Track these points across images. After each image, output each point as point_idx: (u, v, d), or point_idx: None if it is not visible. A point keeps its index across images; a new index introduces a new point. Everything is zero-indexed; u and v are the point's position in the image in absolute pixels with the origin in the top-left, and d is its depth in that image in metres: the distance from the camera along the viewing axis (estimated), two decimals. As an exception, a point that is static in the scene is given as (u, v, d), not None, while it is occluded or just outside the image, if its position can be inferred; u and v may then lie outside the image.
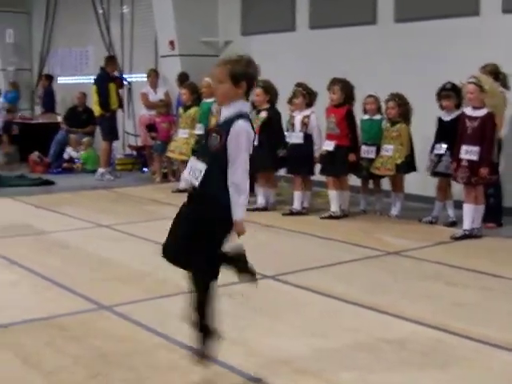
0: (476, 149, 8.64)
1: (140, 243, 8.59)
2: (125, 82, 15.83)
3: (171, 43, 14.76)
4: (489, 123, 8.64)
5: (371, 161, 10.07)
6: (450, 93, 9.36)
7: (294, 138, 10.38)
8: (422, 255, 8.05)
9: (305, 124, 10.28)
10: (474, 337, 5.40)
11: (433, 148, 9.52)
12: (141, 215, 10.46)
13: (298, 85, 10.42)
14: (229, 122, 4.37)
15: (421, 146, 9.95)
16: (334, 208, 10.09)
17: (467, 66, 9.23)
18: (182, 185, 12.35)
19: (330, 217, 10.03)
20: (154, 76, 15.19)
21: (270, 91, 10.61)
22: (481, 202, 8.86)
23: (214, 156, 4.38)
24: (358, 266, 7.66)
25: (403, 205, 10.22)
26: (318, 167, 10.43)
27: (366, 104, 10.21)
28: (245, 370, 4.73)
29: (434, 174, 9.55)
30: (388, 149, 9.92)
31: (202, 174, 4.41)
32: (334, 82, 10.10)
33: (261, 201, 10.73)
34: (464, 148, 8.73)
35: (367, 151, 10.12)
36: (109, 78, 14.34)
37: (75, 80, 19.67)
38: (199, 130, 11.93)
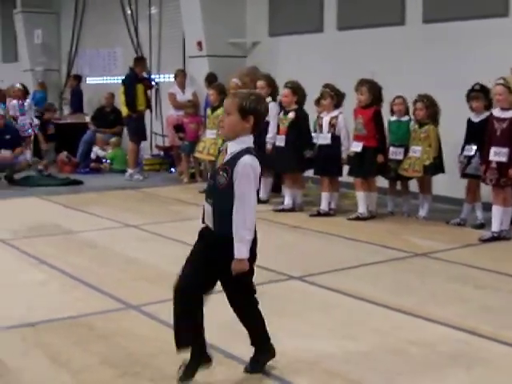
0: (505, 150, 8.58)
1: (167, 243, 8.61)
2: (153, 83, 15.85)
3: (199, 44, 14.77)
4: (517, 124, 8.59)
5: (399, 162, 10.02)
6: (479, 94, 9.30)
7: (322, 138, 10.36)
8: (450, 257, 8.01)
9: (332, 125, 10.26)
10: (502, 340, 5.37)
11: (463, 149, 9.46)
12: (168, 215, 10.48)
13: (326, 86, 10.38)
14: (235, 158, 4.31)
15: (450, 148, 9.89)
16: (362, 209, 10.06)
17: (496, 67, 9.18)
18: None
19: (358, 218, 10.00)
20: (181, 76, 15.21)
21: (298, 92, 10.60)
22: (509, 204, 8.80)
23: (223, 194, 4.33)
24: (385, 268, 7.63)
25: (431, 206, 10.17)
26: (345, 168, 10.40)
27: (394, 105, 10.17)
28: (271, 371, 4.73)
29: (464, 175, 9.49)
30: (416, 150, 9.87)
31: (212, 215, 4.38)
32: (362, 82, 10.07)
33: (288, 201, 10.72)
34: (493, 150, 8.68)
35: (395, 152, 10.07)
36: (137, 79, 14.38)
37: (103, 81, 19.77)
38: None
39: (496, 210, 8.75)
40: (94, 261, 7.73)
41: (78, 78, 19.49)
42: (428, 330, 5.65)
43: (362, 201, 10.08)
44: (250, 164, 4.29)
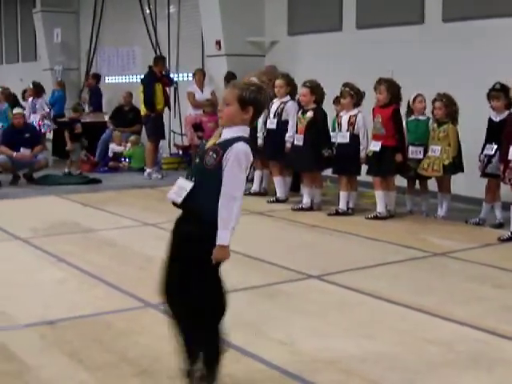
0: (524, 150, 8.55)
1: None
2: (172, 81, 15.87)
3: (217, 43, 14.79)
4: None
5: (419, 161, 9.99)
6: (499, 93, 9.26)
7: (341, 137, 10.34)
8: (469, 257, 7.98)
9: (351, 124, 10.24)
10: (522, 340, 5.36)
11: (483, 149, 9.43)
12: (186, 214, 10.49)
13: (346, 85, 10.35)
14: (228, 143, 4.24)
15: (469, 147, 9.85)
16: (380, 208, 10.04)
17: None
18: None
19: (376, 217, 9.98)
20: (200, 75, 15.24)
21: (316, 91, 10.58)
22: (529, 204, 8.78)
23: (210, 175, 4.23)
24: (403, 267, 7.62)
25: (450, 206, 10.13)
26: (364, 167, 10.38)
27: (414, 103, 10.12)
28: (290, 370, 4.73)
29: (484, 174, 9.45)
30: (435, 149, 9.82)
31: (188, 192, 4.27)
32: (380, 81, 10.04)
33: (306, 200, 10.71)
34: (512, 149, 8.66)
35: (415, 152, 10.03)
36: (155, 78, 14.40)
37: (122, 79, 19.84)
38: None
39: (515, 210, 8.73)
40: (113, 259, 7.75)
41: (97, 77, 19.53)
42: (447, 330, 5.63)
43: (381, 200, 10.06)
44: (243, 150, 4.21)
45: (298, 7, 14.30)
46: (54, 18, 21.39)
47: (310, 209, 10.66)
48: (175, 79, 16.57)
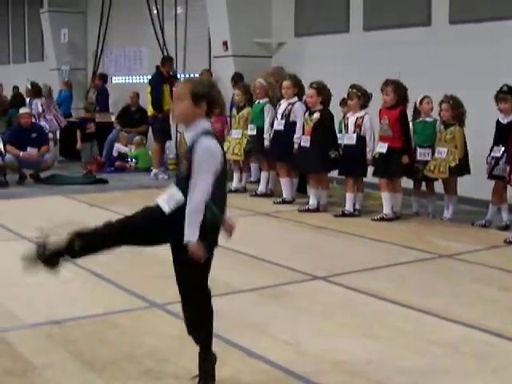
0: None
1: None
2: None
3: (225, 44, 14.80)
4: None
5: (427, 163, 9.98)
6: (507, 95, 9.25)
7: (347, 139, 10.34)
8: (475, 259, 7.97)
9: (358, 125, 10.23)
10: (527, 342, 5.35)
11: (491, 151, 9.42)
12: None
13: (353, 86, 10.34)
14: (193, 144, 4.22)
15: (475, 149, 9.84)
16: (387, 210, 10.03)
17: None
18: (234, 185, 12.41)
19: (382, 219, 9.98)
20: (207, 76, 15.24)
21: (323, 92, 10.58)
22: (535, 206, 8.77)
23: (184, 181, 4.25)
24: (409, 269, 7.61)
25: (456, 208, 10.12)
26: (370, 169, 10.38)
27: (421, 105, 10.11)
28: (295, 370, 4.73)
29: (491, 176, 9.44)
30: (441, 151, 9.82)
31: (178, 204, 4.29)
32: (387, 83, 10.04)
33: (312, 202, 10.71)
34: (518, 151, 8.65)
35: (423, 154, 10.02)
36: (163, 79, 14.41)
37: (129, 80, 19.85)
38: (251, 130, 11.98)
39: (521, 212, 8.72)
40: (119, 259, 7.71)
41: (104, 77, 19.54)
42: (452, 331, 5.63)
43: (387, 201, 10.05)
44: (206, 147, 4.18)
45: (305, 9, 14.30)
46: (62, 18, 21.42)
47: (317, 210, 10.66)
48: (182, 80, 16.59)
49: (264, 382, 4.64)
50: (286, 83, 11.27)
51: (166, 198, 4.39)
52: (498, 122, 9.46)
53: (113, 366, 4.78)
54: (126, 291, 6.57)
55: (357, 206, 10.45)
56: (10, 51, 26.71)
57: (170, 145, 15.92)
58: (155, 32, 18.14)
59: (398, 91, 9.98)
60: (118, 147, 15.86)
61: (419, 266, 7.75)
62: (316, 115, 10.53)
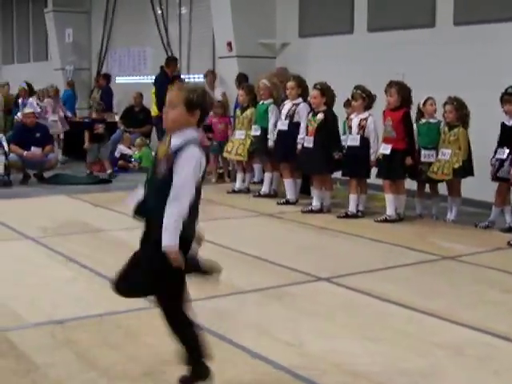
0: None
1: (195, 243, 8.62)
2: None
3: (229, 45, 14.80)
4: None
5: (430, 165, 9.98)
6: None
7: (351, 140, 10.34)
8: (478, 261, 7.97)
9: (362, 127, 10.23)
10: (530, 344, 5.35)
11: (495, 153, 9.41)
12: (196, 215, 10.47)
13: (357, 87, 10.34)
14: (179, 150, 4.15)
15: (479, 151, 9.83)
16: (390, 212, 10.02)
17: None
18: (237, 185, 12.42)
19: (386, 220, 9.97)
20: (211, 77, 15.27)
21: (327, 93, 10.57)
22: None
23: (162, 183, 4.19)
24: (412, 270, 7.61)
25: (460, 209, 10.12)
26: (373, 170, 10.37)
27: (425, 107, 10.11)
28: (297, 371, 4.73)
29: (495, 178, 9.43)
30: (445, 153, 9.82)
31: (146, 203, 4.32)
32: (391, 84, 10.03)
33: (316, 203, 10.71)
34: (522, 153, 8.65)
35: (427, 155, 10.01)
36: (168, 80, 14.43)
37: (133, 80, 19.87)
38: (255, 131, 11.98)
39: (525, 214, 8.71)
40: (122, 259, 7.73)
41: (107, 77, 19.57)
42: (455, 333, 5.63)
43: (391, 203, 10.05)
44: (193, 154, 4.14)
45: (309, 9, 14.30)
46: (66, 17, 21.46)
47: (320, 211, 10.66)
48: (186, 80, 16.59)
49: (266, 382, 4.64)
50: (290, 84, 11.26)
51: (132, 199, 4.54)
52: (502, 124, 9.45)
53: (116, 366, 4.78)
54: (129, 291, 6.57)
55: (360, 208, 10.44)
56: (15, 50, 26.76)
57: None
58: (159, 32, 18.17)
59: (402, 92, 9.97)
60: (121, 149, 15.85)
61: (422, 267, 7.75)
62: (320, 116, 10.53)
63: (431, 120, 10.13)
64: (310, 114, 10.74)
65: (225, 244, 8.13)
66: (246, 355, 4.94)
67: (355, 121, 10.30)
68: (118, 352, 5.04)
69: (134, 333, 5.47)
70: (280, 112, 11.45)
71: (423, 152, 10.07)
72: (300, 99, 11.20)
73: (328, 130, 10.52)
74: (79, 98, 20.30)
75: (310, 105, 10.94)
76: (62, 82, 20.51)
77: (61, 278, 7.07)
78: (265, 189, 12.00)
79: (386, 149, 10.02)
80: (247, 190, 12.38)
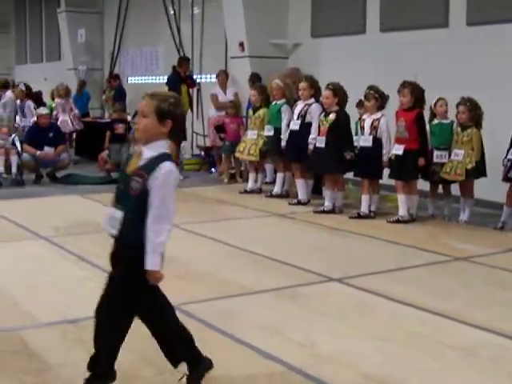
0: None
1: (206, 243, 8.60)
2: (195, 83, 15.91)
3: (241, 45, 14.79)
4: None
5: (443, 165, 9.95)
6: (525, 98, 9.24)
7: (363, 140, 10.32)
8: (491, 261, 7.94)
9: (374, 127, 10.21)
10: (543, 346, 5.32)
11: (507, 153, 9.38)
12: (207, 215, 10.48)
13: (370, 88, 10.31)
14: (153, 163, 4.08)
15: (491, 151, 9.80)
16: (402, 212, 10.00)
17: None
18: (249, 186, 12.42)
19: (398, 221, 9.95)
20: (223, 77, 15.26)
21: (339, 94, 10.56)
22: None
23: (136, 200, 4.12)
24: (425, 271, 7.59)
25: (472, 210, 10.09)
26: (386, 171, 10.35)
27: (437, 107, 10.09)
28: (309, 372, 4.72)
29: (507, 179, 9.40)
30: (458, 153, 9.79)
31: (120, 223, 4.16)
32: (404, 85, 10.01)
33: (328, 203, 10.70)
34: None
35: (440, 156, 9.99)
36: (181, 80, 14.44)
37: (145, 80, 19.89)
38: (268, 131, 11.98)
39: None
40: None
41: (117, 77, 19.56)
42: (468, 335, 5.61)
43: (403, 203, 10.02)
44: (171, 171, 4.11)
45: (321, 9, 14.28)
46: (79, 18, 21.51)
47: (332, 211, 10.65)
48: (198, 80, 16.61)
49: (278, 382, 4.64)
50: (302, 85, 11.25)
51: (109, 220, 4.27)
52: (515, 125, 9.43)
53: (128, 366, 4.78)
54: (141, 291, 6.57)
55: (372, 208, 10.42)
56: (27, 50, 26.85)
57: (186, 145, 15.95)
58: (172, 32, 18.16)
59: (415, 93, 9.94)
60: (132, 151, 15.83)
61: (435, 268, 7.73)
62: (332, 116, 10.52)
63: (444, 120, 10.10)
64: (322, 114, 10.73)
65: (237, 244, 8.11)
66: (258, 355, 4.94)
67: (368, 121, 10.28)
68: (130, 352, 5.03)
69: (146, 333, 5.46)
70: (293, 112, 11.45)
71: (436, 153, 10.04)
72: (312, 99, 11.19)
73: (340, 130, 10.51)
74: (92, 98, 20.31)
75: (322, 105, 10.93)
76: (74, 82, 20.55)
77: (73, 277, 7.09)
78: (277, 189, 11.99)
79: (398, 149, 10.00)
80: (259, 191, 12.38)
